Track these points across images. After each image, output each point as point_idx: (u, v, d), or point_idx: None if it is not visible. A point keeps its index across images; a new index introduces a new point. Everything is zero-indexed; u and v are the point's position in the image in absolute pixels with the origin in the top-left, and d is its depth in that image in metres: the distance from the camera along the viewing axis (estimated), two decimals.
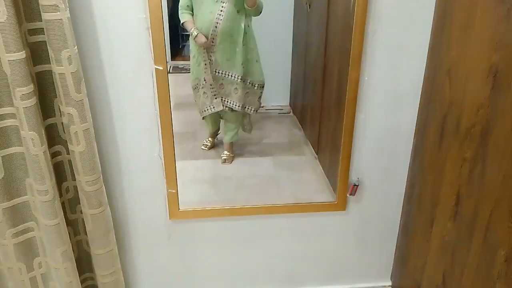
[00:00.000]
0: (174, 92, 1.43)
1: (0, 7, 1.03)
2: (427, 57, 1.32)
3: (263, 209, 1.52)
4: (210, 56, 1.68)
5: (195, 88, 1.77)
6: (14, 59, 1.08)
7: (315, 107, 1.95)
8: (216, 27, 1.62)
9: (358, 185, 1.49)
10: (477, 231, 1.09)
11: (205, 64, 1.68)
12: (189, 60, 1.89)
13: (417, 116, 1.40)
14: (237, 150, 1.98)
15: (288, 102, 2.23)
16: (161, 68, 1.27)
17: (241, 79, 1.72)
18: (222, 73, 1.71)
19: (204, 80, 1.70)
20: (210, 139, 1.94)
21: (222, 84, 1.73)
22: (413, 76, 1.35)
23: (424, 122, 1.36)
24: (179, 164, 1.45)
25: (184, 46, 1.97)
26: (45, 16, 1.08)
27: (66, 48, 1.12)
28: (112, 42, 1.22)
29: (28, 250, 1.34)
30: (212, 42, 1.65)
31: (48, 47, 1.13)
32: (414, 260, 1.47)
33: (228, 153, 1.88)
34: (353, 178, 1.48)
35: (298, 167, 1.98)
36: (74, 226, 1.42)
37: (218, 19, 1.62)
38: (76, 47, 1.14)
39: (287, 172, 1.92)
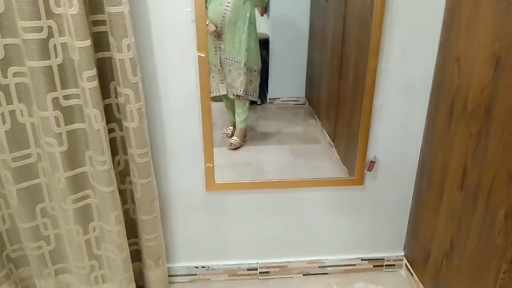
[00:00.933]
0: None
1: (73, 2, 1.21)
2: (438, 47, 1.48)
3: (290, 182, 1.69)
4: (220, 43, 1.85)
5: (210, 71, 1.94)
6: (83, 46, 1.27)
7: (331, 97, 2.10)
8: (224, 17, 1.79)
9: (375, 162, 1.65)
10: (481, 196, 1.25)
11: (215, 51, 1.84)
12: None
13: (429, 100, 1.57)
14: (255, 139, 2.14)
15: (304, 94, 2.39)
16: (203, 55, 1.45)
17: (244, 64, 1.88)
18: (230, 59, 1.87)
19: (214, 65, 1.86)
20: (230, 127, 2.11)
21: (230, 70, 1.90)
22: (426, 64, 1.51)
23: (435, 105, 1.52)
24: None
25: None
26: (109, 9, 1.27)
27: (126, 37, 1.30)
28: (162, 32, 1.41)
29: (85, 215, 1.53)
30: (221, 30, 1.81)
31: (110, 36, 1.31)
32: (425, 231, 1.64)
33: (236, 138, 2.03)
34: (370, 155, 1.65)
35: (314, 155, 2.12)
36: (123, 195, 1.61)
37: (226, 10, 1.78)
38: (133, 36, 1.32)
39: (304, 159, 2.07)
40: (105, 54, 1.39)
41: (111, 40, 1.32)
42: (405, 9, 1.43)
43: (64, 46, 1.32)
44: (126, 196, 1.62)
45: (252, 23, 1.86)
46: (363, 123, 1.60)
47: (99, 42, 1.37)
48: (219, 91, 1.93)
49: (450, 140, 1.42)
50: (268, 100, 2.35)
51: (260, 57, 1.99)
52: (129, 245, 1.67)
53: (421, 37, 1.47)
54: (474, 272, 1.30)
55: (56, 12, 1.27)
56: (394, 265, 1.88)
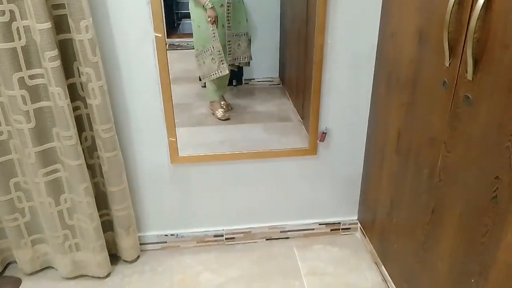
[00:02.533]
0: (171, 67, 1.65)
1: None
2: (380, 24, 1.60)
3: (247, 154, 1.82)
4: (228, 21, 1.91)
5: (199, 55, 1.98)
6: (44, 28, 1.36)
7: (299, 77, 2.20)
8: None
9: (326, 133, 1.78)
10: (411, 158, 1.39)
11: (214, 33, 1.90)
12: (183, 37, 2.14)
13: (374, 74, 1.69)
14: (230, 119, 2.25)
15: (278, 74, 2.50)
16: (159, 35, 1.55)
17: (246, 34, 1.99)
18: (237, 35, 1.96)
19: (213, 47, 1.92)
20: (223, 103, 2.15)
21: (239, 44, 1.99)
22: (369, 40, 1.63)
23: (377, 78, 1.65)
24: (177, 131, 1.72)
25: (179, 24, 2.22)
26: None
27: (84, 19, 1.39)
28: (120, 14, 1.50)
29: (56, 187, 1.64)
30: (228, 9, 1.88)
31: (69, 18, 1.41)
32: (372, 194, 1.79)
33: (227, 102, 2.15)
34: (322, 127, 1.78)
35: (285, 131, 2.24)
36: (92, 169, 1.72)
37: None
38: (91, 18, 1.42)
39: (276, 135, 2.19)
40: (67, 35, 1.48)
41: (70, 22, 1.41)
42: None
43: (26, 28, 1.40)
44: (95, 170, 1.73)
45: None
46: (313, 96, 1.72)
47: (60, 24, 1.46)
48: (221, 72, 1.97)
49: (388, 109, 1.55)
50: (243, 81, 2.46)
51: None
52: (101, 216, 1.79)
53: (363, 14, 1.58)
54: (408, 227, 1.45)
55: None
56: (349, 228, 2.03)
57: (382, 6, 1.56)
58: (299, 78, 2.21)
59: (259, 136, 2.18)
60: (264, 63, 2.44)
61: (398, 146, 1.48)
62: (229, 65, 2.03)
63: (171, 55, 2.05)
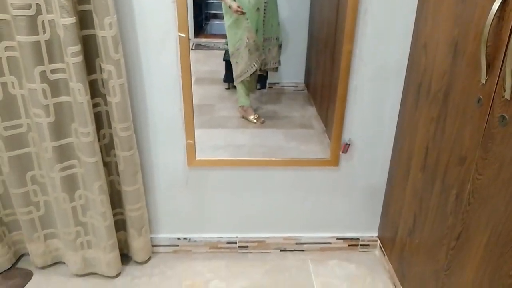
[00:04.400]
0: (195, 68, 1.63)
1: None
2: (412, 34, 1.52)
3: (266, 161, 1.77)
4: (263, 25, 1.87)
5: (234, 53, 1.94)
6: (67, 23, 1.35)
7: (325, 84, 2.15)
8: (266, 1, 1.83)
9: (349, 144, 1.71)
10: (438, 177, 1.31)
11: (248, 23, 1.85)
12: (211, 38, 2.12)
13: (403, 85, 1.61)
14: (251, 123, 2.20)
15: (303, 79, 2.44)
16: (183, 35, 1.52)
17: (277, 38, 1.95)
18: (269, 39, 1.92)
19: (247, 38, 1.87)
20: (250, 107, 2.11)
21: (269, 49, 1.95)
22: (399, 50, 1.56)
23: (407, 89, 1.57)
24: (197, 132, 1.70)
25: (207, 24, 2.20)
26: None
27: (108, 15, 1.38)
28: (144, 12, 1.48)
29: (71, 183, 1.63)
30: (264, 13, 1.85)
31: (94, 14, 1.40)
32: (394, 209, 1.70)
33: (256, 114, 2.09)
34: (346, 138, 1.71)
35: (306, 139, 2.18)
36: (108, 167, 1.70)
37: None
38: (116, 15, 1.40)
39: (296, 142, 2.14)
40: (90, 31, 1.47)
41: (95, 18, 1.40)
42: None
43: (51, 22, 1.40)
44: (111, 168, 1.71)
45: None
46: (338, 105, 1.65)
47: (85, 19, 1.45)
48: (256, 65, 1.94)
49: (416, 123, 1.47)
50: (267, 85, 2.42)
51: None
52: (115, 214, 1.77)
53: (395, 22, 1.51)
54: (430, 249, 1.37)
55: None
56: (368, 245, 1.95)
57: (416, 15, 1.48)
58: (324, 85, 2.15)
59: (279, 143, 2.13)
60: (290, 68, 2.39)
61: (426, 162, 1.40)
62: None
63: (197, 55, 2.03)
